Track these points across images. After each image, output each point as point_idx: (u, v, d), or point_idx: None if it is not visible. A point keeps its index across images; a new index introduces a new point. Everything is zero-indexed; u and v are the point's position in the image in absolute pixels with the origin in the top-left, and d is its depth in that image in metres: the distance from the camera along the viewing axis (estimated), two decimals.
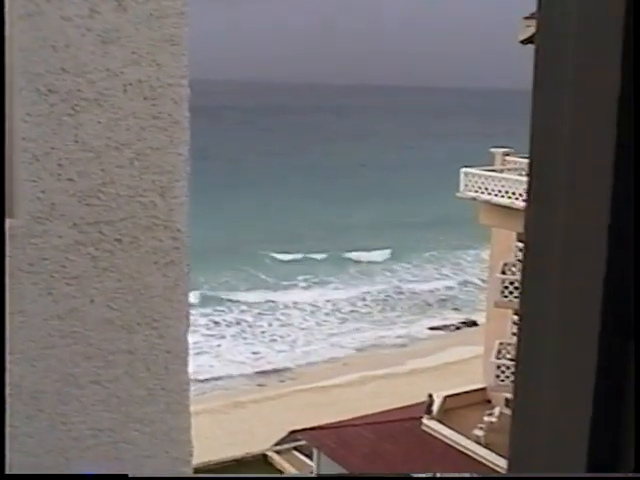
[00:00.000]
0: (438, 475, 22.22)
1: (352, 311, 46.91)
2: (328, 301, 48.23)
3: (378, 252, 56.98)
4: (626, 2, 0.78)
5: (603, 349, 0.83)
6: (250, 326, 44.07)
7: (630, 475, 0.85)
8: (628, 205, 0.82)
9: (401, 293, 50.44)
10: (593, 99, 0.82)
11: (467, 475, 21.48)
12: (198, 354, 35.30)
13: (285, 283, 51.23)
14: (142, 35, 1.98)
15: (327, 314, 46.39)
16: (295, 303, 47.41)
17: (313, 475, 25.09)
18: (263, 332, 43.25)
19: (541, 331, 0.89)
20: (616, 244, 0.82)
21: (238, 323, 44.43)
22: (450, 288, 51.81)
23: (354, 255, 56.59)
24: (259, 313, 45.85)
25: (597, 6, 0.81)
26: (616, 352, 0.83)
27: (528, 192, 0.89)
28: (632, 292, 0.83)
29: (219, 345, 40.75)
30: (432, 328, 44.24)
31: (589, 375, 0.84)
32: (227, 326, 43.88)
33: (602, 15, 0.80)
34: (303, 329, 43.93)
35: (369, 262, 56.03)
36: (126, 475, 2.13)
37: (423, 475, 21.98)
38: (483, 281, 38.33)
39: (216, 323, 43.86)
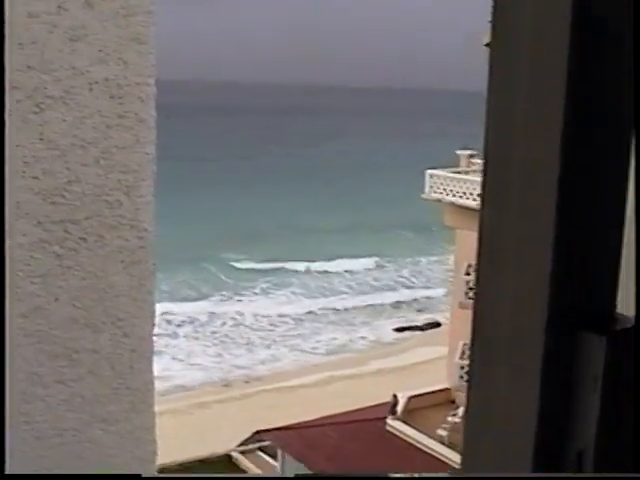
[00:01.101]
0: (416, 475, 22.22)
1: (319, 314, 46.84)
2: (293, 304, 48.15)
3: (342, 260, 56.72)
4: (573, 9, 0.80)
5: (550, 343, 0.85)
6: (202, 325, 43.91)
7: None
8: (575, 206, 0.85)
9: (365, 295, 50.48)
10: (545, 101, 0.84)
11: (447, 475, 21.51)
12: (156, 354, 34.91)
13: (244, 285, 50.99)
14: (109, 33, 1.97)
15: (294, 318, 46.29)
16: (257, 310, 47.16)
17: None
18: (215, 332, 43.12)
19: (493, 329, 0.91)
20: (563, 243, 0.85)
21: (191, 322, 44.23)
22: (415, 291, 52.01)
23: (320, 263, 56.27)
24: (217, 314, 45.67)
25: (549, 12, 0.83)
26: (564, 345, 0.86)
27: (482, 193, 0.90)
28: (578, 288, 0.86)
29: (175, 346, 40.52)
30: (397, 329, 44.36)
31: (537, 371, 0.86)
32: (178, 326, 43.59)
33: (554, 22, 0.82)
34: (269, 331, 43.81)
35: (336, 266, 55.87)
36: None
37: (400, 475, 21.96)
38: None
39: (168, 322, 43.61)
